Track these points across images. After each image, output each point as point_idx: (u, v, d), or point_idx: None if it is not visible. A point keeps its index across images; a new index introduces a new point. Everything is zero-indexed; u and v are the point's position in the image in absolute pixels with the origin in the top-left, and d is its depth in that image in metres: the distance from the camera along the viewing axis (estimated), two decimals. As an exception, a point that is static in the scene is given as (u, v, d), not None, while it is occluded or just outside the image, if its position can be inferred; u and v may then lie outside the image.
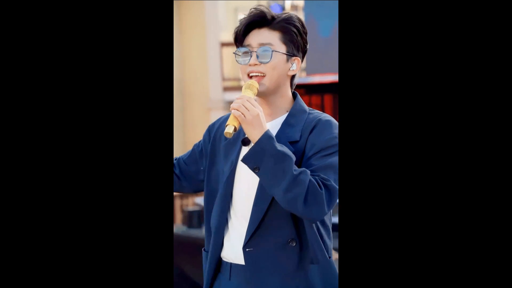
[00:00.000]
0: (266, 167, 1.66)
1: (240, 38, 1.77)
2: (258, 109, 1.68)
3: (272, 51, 1.73)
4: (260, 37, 1.75)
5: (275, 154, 1.65)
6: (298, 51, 1.78)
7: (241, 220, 1.78)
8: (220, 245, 1.81)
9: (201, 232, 5.76)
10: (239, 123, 1.68)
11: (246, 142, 1.78)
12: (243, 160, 1.69)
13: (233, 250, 1.79)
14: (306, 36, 1.80)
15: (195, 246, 5.44)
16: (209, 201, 1.84)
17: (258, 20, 1.76)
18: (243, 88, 1.73)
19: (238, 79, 13.52)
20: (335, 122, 1.77)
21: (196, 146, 1.93)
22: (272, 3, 9.39)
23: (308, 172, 1.67)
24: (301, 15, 9.75)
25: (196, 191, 1.95)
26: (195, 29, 12.10)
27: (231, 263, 1.79)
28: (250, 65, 1.75)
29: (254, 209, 1.74)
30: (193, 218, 6.03)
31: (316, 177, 1.68)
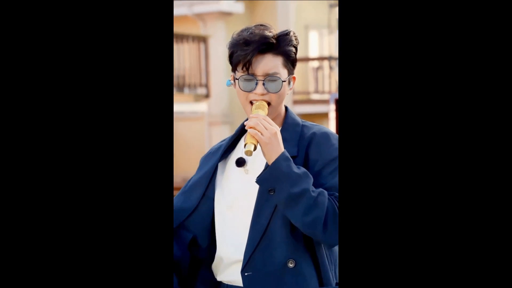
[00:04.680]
0: (282, 189, 1.59)
1: (247, 65, 1.67)
2: (275, 127, 1.62)
3: (282, 81, 1.69)
4: (265, 66, 1.68)
5: (293, 176, 1.59)
6: (294, 68, 1.74)
7: (238, 240, 1.70)
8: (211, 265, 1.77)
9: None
10: (257, 141, 1.61)
11: (240, 162, 1.71)
12: (258, 181, 1.61)
13: (229, 271, 1.72)
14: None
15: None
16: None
17: (264, 48, 1.68)
18: (253, 108, 1.67)
19: (307, 93, 13.96)
20: (333, 132, 1.73)
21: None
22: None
23: (326, 193, 1.60)
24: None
25: None
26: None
27: (226, 284, 1.73)
28: (256, 93, 1.68)
29: (252, 228, 1.67)
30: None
31: (333, 197, 1.61)
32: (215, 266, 1.76)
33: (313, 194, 1.58)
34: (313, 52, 14.56)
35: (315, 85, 14.00)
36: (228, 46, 1.73)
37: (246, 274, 1.66)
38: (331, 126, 6.44)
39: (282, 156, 1.60)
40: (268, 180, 1.60)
